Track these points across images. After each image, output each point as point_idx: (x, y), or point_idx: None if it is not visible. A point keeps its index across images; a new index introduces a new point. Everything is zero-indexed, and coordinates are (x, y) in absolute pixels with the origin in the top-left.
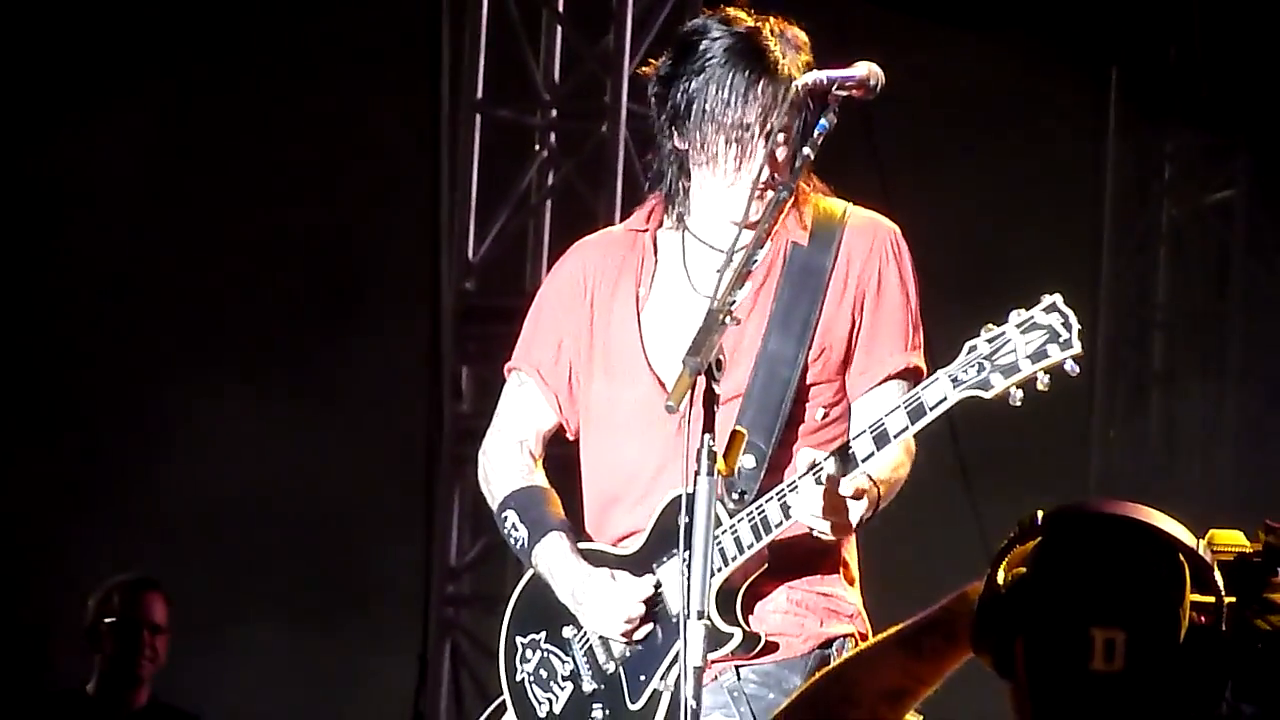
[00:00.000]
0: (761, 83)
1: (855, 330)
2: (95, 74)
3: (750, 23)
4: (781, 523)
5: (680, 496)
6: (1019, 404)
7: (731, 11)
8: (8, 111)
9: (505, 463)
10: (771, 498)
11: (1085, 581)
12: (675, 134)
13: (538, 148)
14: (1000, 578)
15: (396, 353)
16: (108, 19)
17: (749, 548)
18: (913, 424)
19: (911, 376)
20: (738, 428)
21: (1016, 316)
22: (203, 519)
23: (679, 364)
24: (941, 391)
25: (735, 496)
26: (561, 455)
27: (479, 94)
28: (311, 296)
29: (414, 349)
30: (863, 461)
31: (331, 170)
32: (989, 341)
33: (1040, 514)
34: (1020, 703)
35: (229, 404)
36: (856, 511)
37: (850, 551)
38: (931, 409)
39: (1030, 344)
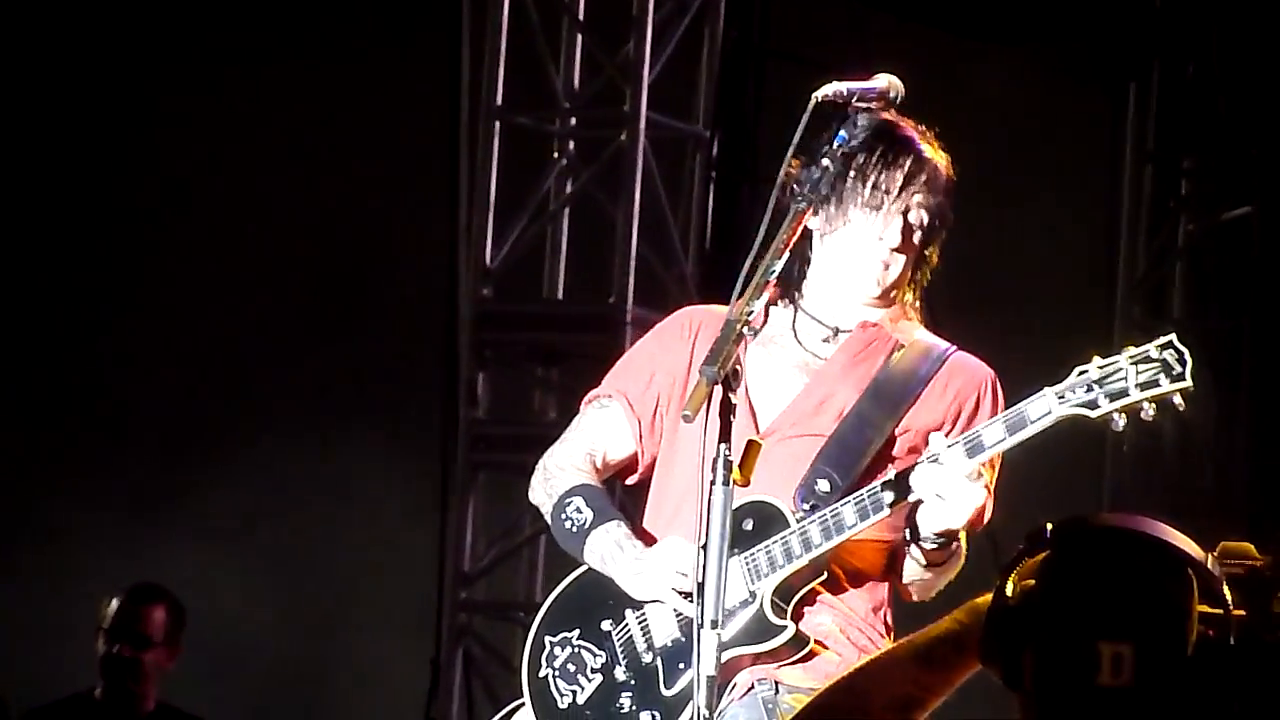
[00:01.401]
0: (910, 160)
1: (939, 430)
2: (111, 85)
3: (891, 118)
4: (855, 524)
5: (741, 506)
6: (1120, 429)
7: (867, 89)
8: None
9: (572, 468)
10: (848, 502)
11: (1093, 595)
12: (814, 211)
13: (556, 155)
14: (1009, 590)
15: (412, 357)
16: (115, 36)
17: (816, 547)
18: (1009, 435)
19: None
20: (753, 438)
21: (1130, 350)
22: (231, 527)
23: (775, 417)
24: (1046, 405)
25: (806, 507)
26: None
27: (499, 100)
28: (328, 300)
29: (430, 354)
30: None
31: (350, 174)
32: (1100, 368)
33: (1049, 526)
34: (1028, 715)
35: (246, 413)
36: (975, 498)
37: (891, 604)
38: (1033, 422)
39: (1142, 374)
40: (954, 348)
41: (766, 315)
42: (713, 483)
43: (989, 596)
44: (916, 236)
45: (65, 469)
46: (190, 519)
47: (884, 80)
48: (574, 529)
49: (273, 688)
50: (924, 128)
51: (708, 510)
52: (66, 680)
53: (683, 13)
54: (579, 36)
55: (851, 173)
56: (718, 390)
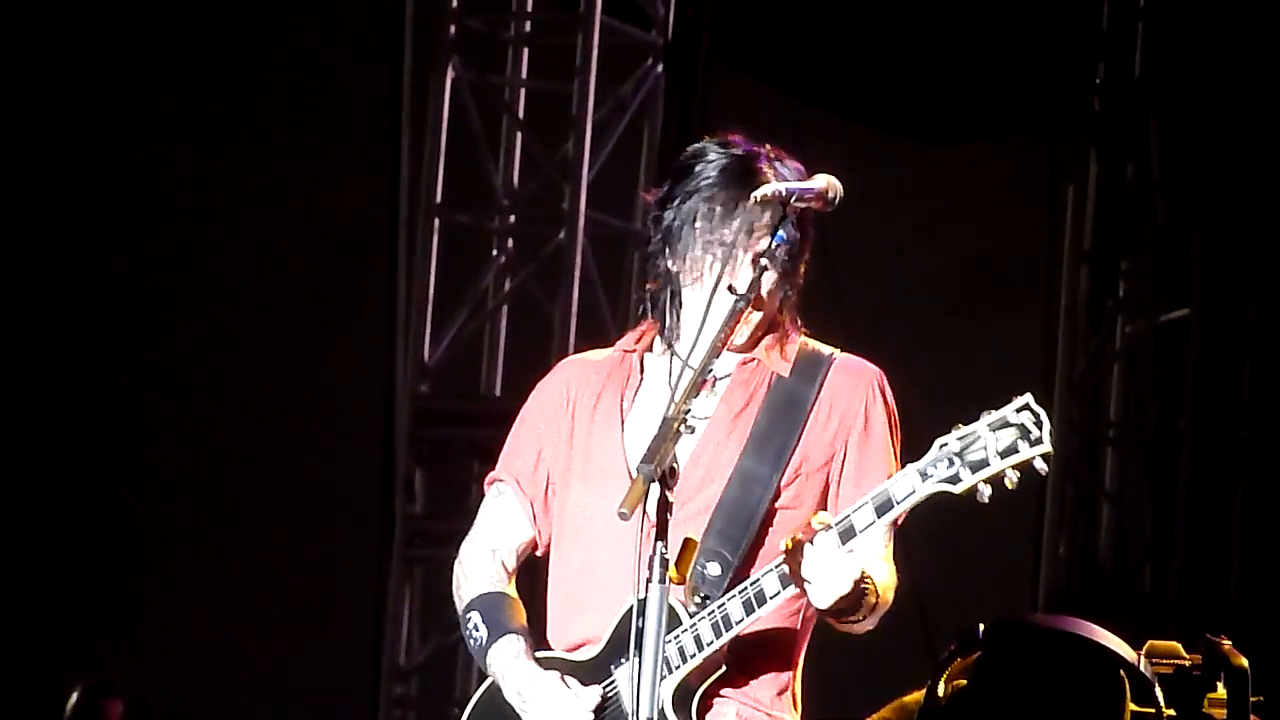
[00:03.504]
0: (749, 201)
1: (835, 462)
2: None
3: (746, 147)
4: (743, 619)
5: (638, 604)
6: (986, 501)
7: (730, 137)
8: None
9: (476, 569)
10: (734, 595)
11: (1026, 696)
12: (669, 255)
13: (495, 252)
14: (941, 689)
15: (349, 454)
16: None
17: (708, 645)
18: (878, 518)
19: None
20: (690, 536)
21: (987, 416)
22: (148, 598)
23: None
24: (910, 485)
25: (697, 600)
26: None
27: (438, 198)
28: (266, 394)
29: (367, 451)
30: None
31: (288, 269)
32: (959, 439)
33: (981, 627)
34: None
35: (180, 496)
36: (848, 573)
37: (797, 680)
38: (899, 502)
39: (1001, 441)
40: (835, 355)
41: (643, 367)
42: (649, 580)
43: (918, 695)
44: (769, 280)
45: None
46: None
47: (823, 180)
48: (475, 645)
49: None
50: (775, 152)
51: (641, 608)
52: None
53: (621, 112)
54: (519, 135)
55: (698, 226)
56: (654, 488)
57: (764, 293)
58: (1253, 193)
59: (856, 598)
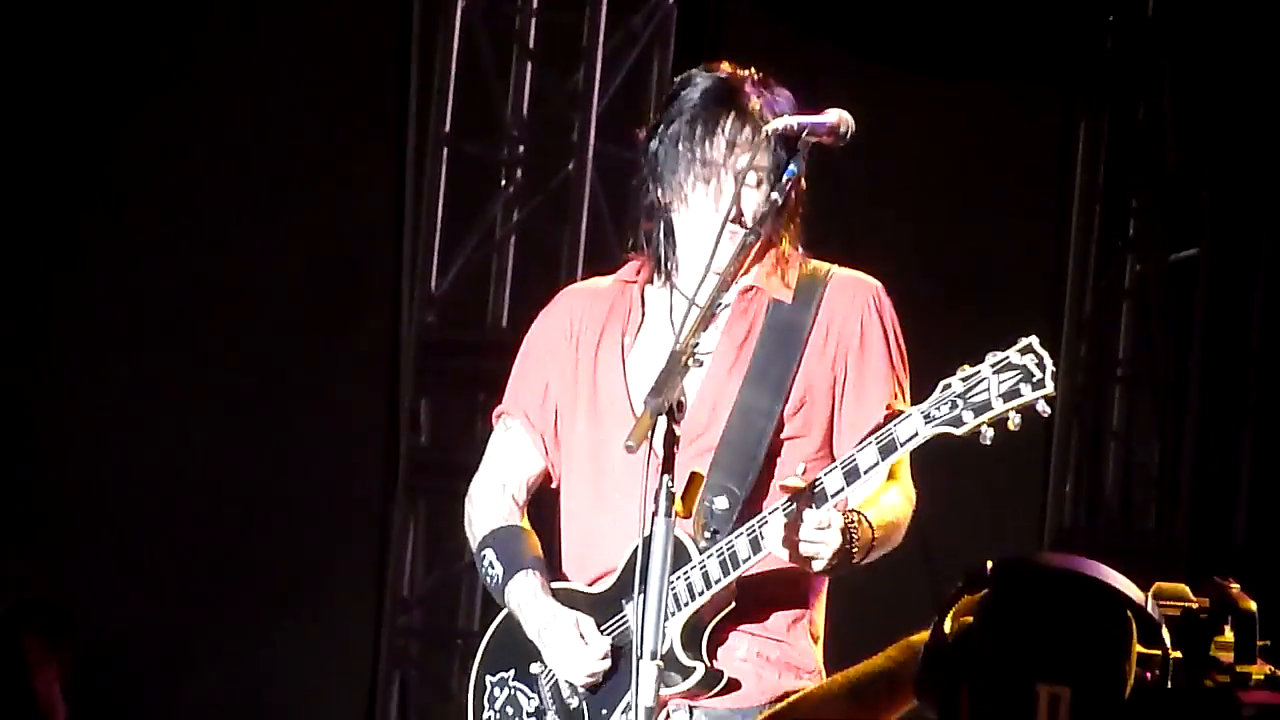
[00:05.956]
0: (730, 121)
1: (836, 386)
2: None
3: (731, 71)
4: (749, 558)
5: (647, 539)
6: (989, 443)
7: (719, 64)
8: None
9: (487, 505)
10: (741, 533)
11: (1032, 636)
12: (657, 185)
13: (504, 183)
14: (947, 627)
15: (355, 383)
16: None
17: (716, 583)
18: (883, 459)
19: None
20: (696, 470)
21: (992, 357)
22: (149, 536)
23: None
24: (913, 427)
25: (708, 535)
26: (541, 495)
27: (447, 128)
28: (271, 324)
29: (373, 380)
30: (833, 497)
31: (295, 198)
32: (963, 380)
33: (989, 565)
34: None
35: (183, 431)
36: (826, 547)
37: (819, 609)
38: (902, 444)
39: (1004, 383)
40: (832, 273)
41: (643, 300)
42: (654, 514)
43: (924, 634)
44: (756, 201)
45: None
46: (121, 529)
47: (834, 115)
48: (491, 583)
49: (206, 711)
50: (758, 75)
51: (646, 545)
52: None
53: (632, 44)
54: (529, 65)
55: (680, 147)
56: (661, 420)
57: (768, 224)
58: (1265, 133)
59: (843, 561)
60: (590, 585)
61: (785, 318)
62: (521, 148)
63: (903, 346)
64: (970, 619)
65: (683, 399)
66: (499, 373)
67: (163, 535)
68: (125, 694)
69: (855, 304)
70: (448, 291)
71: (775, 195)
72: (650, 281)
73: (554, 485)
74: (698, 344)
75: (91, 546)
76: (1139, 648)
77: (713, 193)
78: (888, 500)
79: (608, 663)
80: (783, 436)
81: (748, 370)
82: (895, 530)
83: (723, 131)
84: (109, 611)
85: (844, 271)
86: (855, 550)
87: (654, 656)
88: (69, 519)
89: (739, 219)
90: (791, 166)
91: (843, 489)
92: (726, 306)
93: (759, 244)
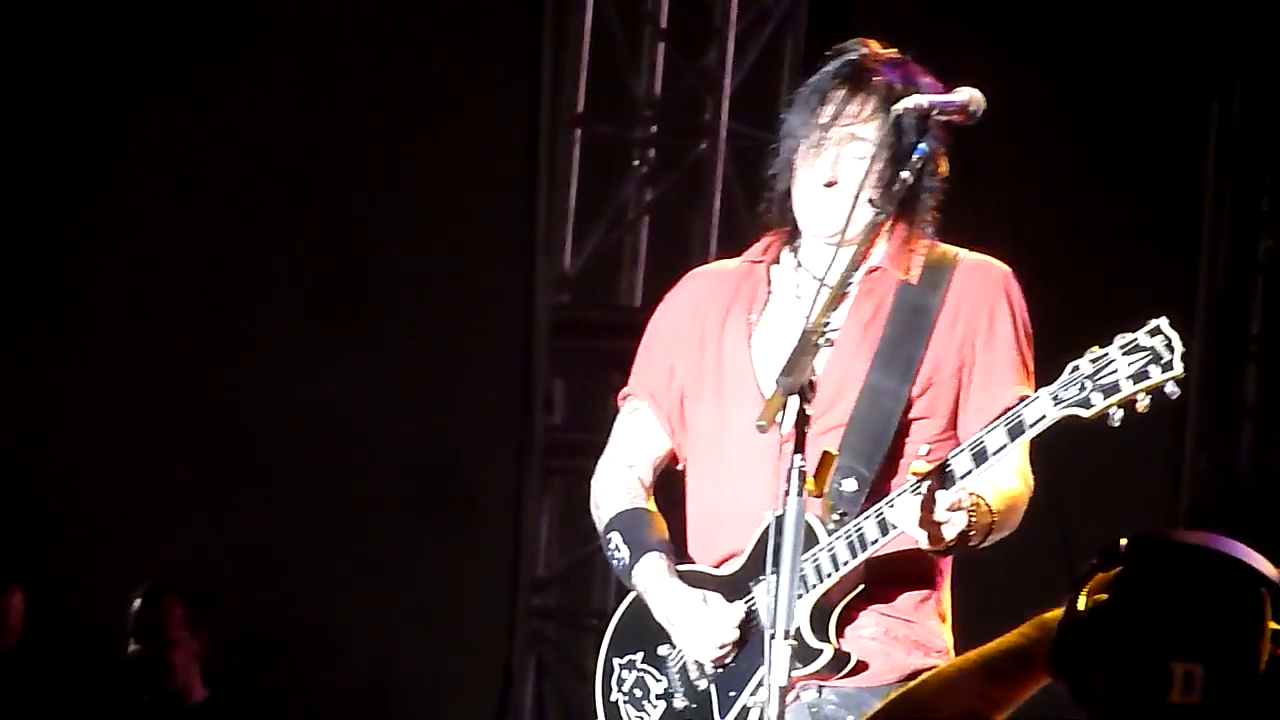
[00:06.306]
0: (848, 93)
1: (964, 370)
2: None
3: (869, 48)
4: (878, 539)
5: (775, 521)
6: (1118, 424)
7: (868, 41)
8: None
9: (614, 487)
10: (869, 515)
11: (1166, 613)
12: (781, 154)
13: (637, 163)
14: (1081, 604)
15: (489, 364)
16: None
17: (844, 564)
18: (1011, 441)
19: None
20: (828, 449)
21: (1121, 339)
22: (294, 520)
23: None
24: (1041, 409)
25: (836, 517)
26: (667, 477)
27: (579, 108)
28: (405, 305)
29: (507, 360)
30: (961, 478)
31: (430, 181)
32: (1092, 362)
33: (1123, 542)
34: None
35: (326, 415)
36: (954, 528)
37: (945, 589)
38: (1030, 426)
39: (1133, 365)
40: (960, 257)
41: (769, 278)
42: (786, 492)
43: (1058, 612)
44: (856, 168)
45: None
46: (268, 514)
47: (965, 94)
48: (619, 565)
49: (343, 693)
50: (898, 55)
51: (778, 524)
52: None
53: (764, 22)
54: (660, 45)
55: (798, 117)
56: (793, 400)
57: (899, 203)
58: None
59: (960, 544)
60: (717, 567)
61: (913, 300)
62: (654, 128)
63: (1030, 332)
64: (1104, 596)
65: (814, 378)
66: (632, 353)
67: (303, 518)
68: (268, 677)
69: (985, 289)
70: (581, 272)
71: (905, 174)
72: (777, 261)
73: (680, 467)
74: (828, 323)
75: (235, 532)
76: (1273, 624)
77: (821, 163)
78: (1005, 484)
79: (737, 633)
80: (910, 417)
81: (875, 351)
82: (1013, 513)
83: (837, 102)
84: (252, 594)
85: (972, 256)
86: (974, 533)
87: (787, 636)
88: (218, 503)
89: (833, 184)
90: (922, 145)
91: (971, 470)
92: (853, 285)
93: (888, 222)
